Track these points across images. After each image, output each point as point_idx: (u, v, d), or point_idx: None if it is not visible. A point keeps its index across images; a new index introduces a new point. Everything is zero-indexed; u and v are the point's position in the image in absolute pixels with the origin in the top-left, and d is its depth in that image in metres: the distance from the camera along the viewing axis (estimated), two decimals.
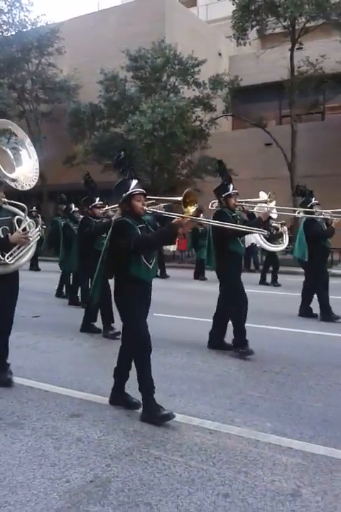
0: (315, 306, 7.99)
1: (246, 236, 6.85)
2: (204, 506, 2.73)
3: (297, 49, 18.61)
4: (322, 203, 8.15)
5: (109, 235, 3.96)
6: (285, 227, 11.29)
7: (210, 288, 10.48)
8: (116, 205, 7.39)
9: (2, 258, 4.43)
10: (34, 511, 2.68)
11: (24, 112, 23.51)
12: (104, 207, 7.09)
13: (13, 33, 22.61)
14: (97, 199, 6.94)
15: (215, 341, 6.00)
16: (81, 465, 3.17)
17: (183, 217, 3.83)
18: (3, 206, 4.59)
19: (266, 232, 6.78)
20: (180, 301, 9.65)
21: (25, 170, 4.57)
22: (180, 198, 3.83)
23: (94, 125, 21.12)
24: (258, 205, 6.64)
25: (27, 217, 4.71)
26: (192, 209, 3.84)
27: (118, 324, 7.02)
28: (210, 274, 14.23)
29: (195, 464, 3.19)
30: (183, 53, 19.94)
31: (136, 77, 20.58)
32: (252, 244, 14.40)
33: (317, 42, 20.14)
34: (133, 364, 4.00)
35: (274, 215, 10.11)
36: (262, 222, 5.92)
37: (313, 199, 8.00)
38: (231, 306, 5.81)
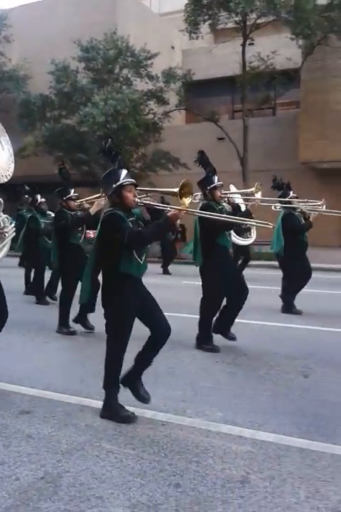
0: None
1: None
2: (155, 497, 2.75)
3: (249, 44, 18.90)
4: (272, 197, 8.23)
5: (99, 229, 3.72)
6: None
7: (166, 281, 10.57)
8: (93, 197, 7.20)
9: None
10: None
11: None
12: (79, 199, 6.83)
13: None
14: (72, 191, 6.66)
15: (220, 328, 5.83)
16: (31, 462, 3.12)
17: (180, 209, 3.66)
18: None
19: (260, 224, 6.53)
20: None
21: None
22: (175, 190, 3.64)
23: (44, 116, 20.68)
24: (231, 195, 6.46)
25: (1, 213, 4.41)
26: (187, 201, 3.66)
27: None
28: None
29: (147, 456, 3.21)
30: (136, 45, 19.83)
31: (87, 68, 20.31)
32: None
33: (268, 38, 20.52)
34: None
35: (243, 207, 10.11)
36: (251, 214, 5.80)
37: (291, 192, 7.89)
38: (210, 302, 5.70)
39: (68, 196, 6.60)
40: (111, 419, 3.71)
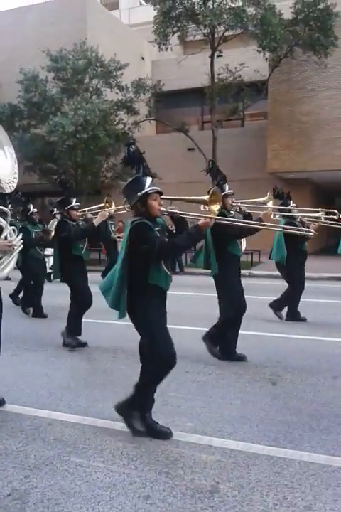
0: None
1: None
2: (125, 510, 2.74)
3: (217, 56, 19.14)
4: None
5: (126, 239, 3.50)
6: None
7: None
8: (96, 206, 6.94)
9: None
10: None
11: None
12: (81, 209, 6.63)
13: None
14: (74, 200, 6.41)
15: (229, 349, 5.67)
16: None
17: (210, 217, 3.55)
18: None
19: (303, 232, 6.34)
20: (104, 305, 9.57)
21: (3, 173, 4.15)
22: (205, 198, 3.56)
23: (13, 126, 20.38)
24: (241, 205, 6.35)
25: (8, 224, 4.22)
26: (216, 208, 3.58)
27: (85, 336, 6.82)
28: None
29: (116, 469, 3.19)
30: (105, 56, 19.84)
31: (57, 78, 20.17)
32: None
33: (236, 50, 20.85)
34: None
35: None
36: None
37: (291, 202, 7.90)
38: (229, 312, 5.56)
39: (70, 206, 6.35)
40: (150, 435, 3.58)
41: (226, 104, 20.40)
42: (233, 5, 17.23)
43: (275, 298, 8.07)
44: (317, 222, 7.84)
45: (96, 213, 6.51)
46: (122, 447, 3.49)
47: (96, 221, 6.07)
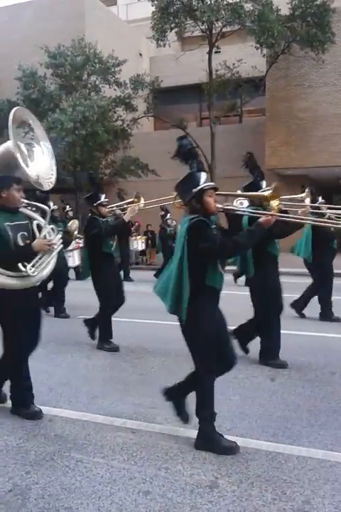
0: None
1: None
2: (125, 505, 2.77)
3: (215, 52, 19.12)
4: None
5: (184, 238, 3.30)
6: None
7: (137, 288, 10.56)
8: (125, 202, 6.76)
9: (24, 269, 3.76)
10: None
11: None
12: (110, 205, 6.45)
13: None
14: (103, 196, 6.20)
15: (273, 352, 5.39)
16: None
17: (272, 214, 3.41)
18: (20, 209, 3.97)
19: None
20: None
21: (40, 169, 4.07)
22: (266, 193, 3.43)
23: None
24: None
25: (47, 223, 4.05)
26: (275, 204, 3.44)
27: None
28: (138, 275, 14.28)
29: (116, 464, 3.22)
30: (103, 52, 19.81)
31: (55, 74, 20.16)
32: None
33: (234, 46, 20.81)
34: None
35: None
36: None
37: (320, 198, 7.71)
38: (267, 314, 5.33)
39: (99, 202, 6.14)
40: (211, 450, 3.37)
41: (224, 101, 20.36)
42: (231, 1, 17.21)
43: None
44: None
45: (124, 209, 6.40)
46: (122, 443, 3.52)
47: (127, 216, 5.90)
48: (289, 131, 19.24)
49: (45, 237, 3.94)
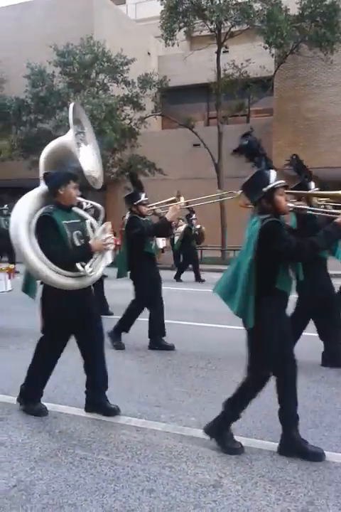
0: None
1: None
2: (129, 503, 2.77)
3: (223, 52, 19.09)
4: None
5: (254, 239, 3.13)
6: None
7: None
8: (166, 201, 6.68)
9: (82, 269, 3.72)
10: None
11: None
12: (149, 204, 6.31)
13: None
14: (143, 195, 6.07)
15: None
16: (3, 470, 3.11)
17: None
18: (73, 208, 3.92)
19: None
20: (114, 301, 9.61)
21: (89, 167, 4.05)
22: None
23: (20, 120, 20.45)
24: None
25: (99, 222, 4.01)
26: None
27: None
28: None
29: (120, 462, 3.23)
30: (112, 51, 19.83)
31: (64, 72, 20.19)
32: None
33: (242, 46, 20.76)
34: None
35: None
36: None
37: None
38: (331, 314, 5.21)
39: (139, 201, 6.02)
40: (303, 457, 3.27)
41: (232, 100, 20.31)
42: (240, 0, 17.17)
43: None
44: None
45: (165, 208, 6.28)
46: (126, 441, 3.53)
47: (169, 216, 5.73)
48: (297, 132, 19.16)
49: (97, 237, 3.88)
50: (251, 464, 3.22)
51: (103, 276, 8.29)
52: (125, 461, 3.23)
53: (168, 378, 5.00)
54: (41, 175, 3.93)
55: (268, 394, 4.48)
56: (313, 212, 3.54)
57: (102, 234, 3.93)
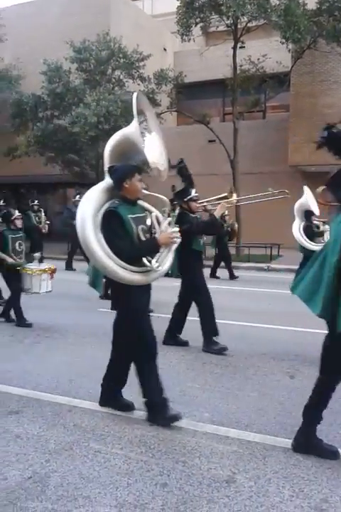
0: None
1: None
2: (142, 497, 2.79)
3: (239, 47, 18.96)
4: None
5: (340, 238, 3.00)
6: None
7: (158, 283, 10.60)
8: (216, 197, 6.60)
9: (149, 264, 3.63)
10: None
11: None
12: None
13: None
14: (194, 191, 5.83)
15: None
16: (19, 462, 3.15)
17: None
18: (138, 201, 3.81)
19: None
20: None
21: (154, 160, 3.98)
22: None
23: (36, 116, 20.59)
24: None
25: (166, 215, 3.90)
26: None
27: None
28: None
29: (134, 456, 3.25)
30: (128, 47, 19.84)
31: (80, 69, 20.27)
32: None
33: (259, 42, 20.63)
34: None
35: (317, 212, 8.65)
36: None
37: None
38: None
39: (189, 197, 5.80)
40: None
41: (248, 96, 20.20)
42: None
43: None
44: None
45: (215, 205, 6.19)
46: (140, 435, 3.55)
47: (217, 212, 5.62)
48: (313, 128, 18.91)
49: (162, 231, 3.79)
50: (265, 460, 3.22)
51: None
52: (139, 456, 3.25)
53: (182, 374, 5.01)
54: (106, 168, 3.84)
55: (282, 392, 4.48)
56: None
57: (168, 227, 3.83)
